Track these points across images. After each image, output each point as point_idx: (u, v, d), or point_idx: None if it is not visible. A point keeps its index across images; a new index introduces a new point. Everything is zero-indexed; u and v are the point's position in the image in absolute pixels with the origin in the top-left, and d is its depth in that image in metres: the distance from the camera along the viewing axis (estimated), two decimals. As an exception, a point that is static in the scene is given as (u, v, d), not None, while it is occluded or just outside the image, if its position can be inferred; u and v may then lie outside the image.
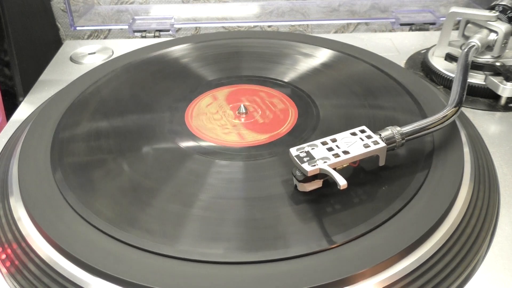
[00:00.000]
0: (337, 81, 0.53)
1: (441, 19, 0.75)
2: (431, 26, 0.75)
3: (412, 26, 0.75)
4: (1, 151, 0.48)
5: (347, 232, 0.34)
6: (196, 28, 0.85)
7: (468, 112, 0.52)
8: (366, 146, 0.38)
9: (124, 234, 0.34)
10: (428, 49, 0.62)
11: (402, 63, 0.63)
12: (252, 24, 0.82)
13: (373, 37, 0.71)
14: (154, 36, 0.74)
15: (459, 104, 0.43)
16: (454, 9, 0.58)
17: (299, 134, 0.45)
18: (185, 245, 0.34)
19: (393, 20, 0.77)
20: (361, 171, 0.40)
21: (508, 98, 0.53)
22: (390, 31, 0.83)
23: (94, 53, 0.68)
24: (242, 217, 0.36)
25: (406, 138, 0.39)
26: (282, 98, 0.51)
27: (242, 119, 0.48)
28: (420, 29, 0.74)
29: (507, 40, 0.55)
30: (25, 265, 0.35)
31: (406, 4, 0.80)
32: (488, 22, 0.55)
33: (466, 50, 0.52)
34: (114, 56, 0.66)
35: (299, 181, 0.37)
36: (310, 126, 0.46)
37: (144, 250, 0.33)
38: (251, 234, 0.35)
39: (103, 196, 0.38)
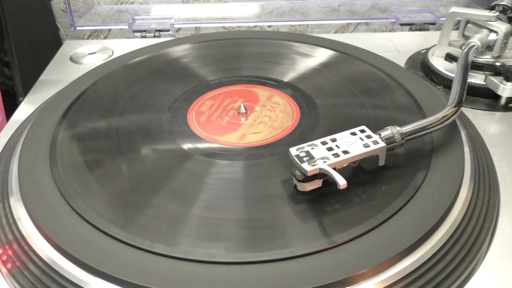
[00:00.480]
0: (337, 81, 0.53)
1: (441, 19, 0.75)
2: (431, 26, 0.75)
3: (412, 26, 0.75)
4: (1, 151, 0.48)
5: (347, 232, 0.34)
6: (196, 28, 0.85)
7: (468, 112, 0.52)
8: (366, 146, 0.38)
9: (125, 234, 0.34)
10: (428, 49, 0.62)
11: (402, 63, 0.63)
12: (252, 24, 0.82)
13: (373, 37, 0.71)
14: (154, 36, 0.74)
15: (459, 104, 0.43)
16: (454, 9, 0.58)
17: (299, 134, 0.45)
18: (185, 245, 0.34)
19: (393, 20, 0.77)
20: (361, 171, 0.39)
21: (508, 98, 0.53)
22: (390, 31, 0.83)
23: (94, 53, 0.68)
24: (242, 217, 0.36)
25: (406, 138, 0.39)
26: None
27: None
28: (420, 29, 0.74)
29: (507, 40, 0.55)
30: (25, 265, 0.35)
31: (406, 4, 0.80)
32: (488, 22, 0.55)
33: (466, 50, 0.52)
34: (114, 56, 0.66)
35: (299, 181, 0.37)
36: (310, 126, 0.46)
37: (144, 250, 0.33)
38: (251, 234, 0.35)
39: (103, 196, 0.38)
